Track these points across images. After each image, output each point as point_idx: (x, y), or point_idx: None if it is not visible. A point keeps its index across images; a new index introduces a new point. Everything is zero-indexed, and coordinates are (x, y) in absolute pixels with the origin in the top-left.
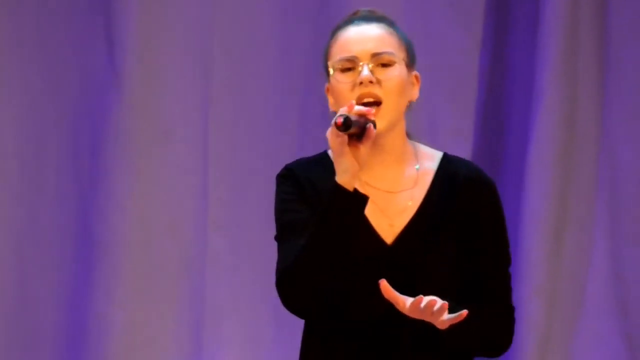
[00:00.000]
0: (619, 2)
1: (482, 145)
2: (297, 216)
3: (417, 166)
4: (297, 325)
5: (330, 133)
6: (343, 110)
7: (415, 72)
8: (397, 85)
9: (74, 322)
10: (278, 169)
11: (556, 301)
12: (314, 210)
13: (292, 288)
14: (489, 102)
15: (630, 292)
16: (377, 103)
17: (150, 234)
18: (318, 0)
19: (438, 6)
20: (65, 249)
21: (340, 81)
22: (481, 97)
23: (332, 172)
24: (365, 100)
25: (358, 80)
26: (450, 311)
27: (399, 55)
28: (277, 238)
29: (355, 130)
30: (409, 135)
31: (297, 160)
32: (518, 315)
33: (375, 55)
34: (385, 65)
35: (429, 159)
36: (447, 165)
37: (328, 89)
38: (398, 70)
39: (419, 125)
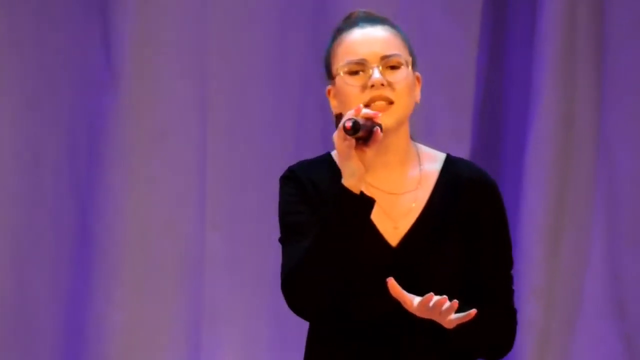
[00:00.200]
0: (617, 2)
1: (480, 145)
2: (301, 218)
3: (420, 167)
4: (295, 324)
5: (338, 136)
6: (350, 114)
7: (417, 73)
8: (407, 87)
9: (72, 323)
10: (275, 169)
11: (554, 301)
12: (316, 212)
13: (297, 290)
14: (487, 102)
15: (628, 293)
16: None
17: (148, 234)
18: (315, 1)
19: (435, 6)
20: (63, 249)
21: (348, 84)
22: (479, 97)
23: (335, 173)
24: (378, 102)
25: (369, 83)
26: (458, 310)
27: (405, 57)
28: (281, 240)
29: (363, 134)
30: (412, 137)
31: (299, 162)
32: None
33: (384, 58)
34: (393, 67)
35: (432, 161)
36: (451, 166)
37: (330, 92)
38: (406, 72)
39: (417, 125)
